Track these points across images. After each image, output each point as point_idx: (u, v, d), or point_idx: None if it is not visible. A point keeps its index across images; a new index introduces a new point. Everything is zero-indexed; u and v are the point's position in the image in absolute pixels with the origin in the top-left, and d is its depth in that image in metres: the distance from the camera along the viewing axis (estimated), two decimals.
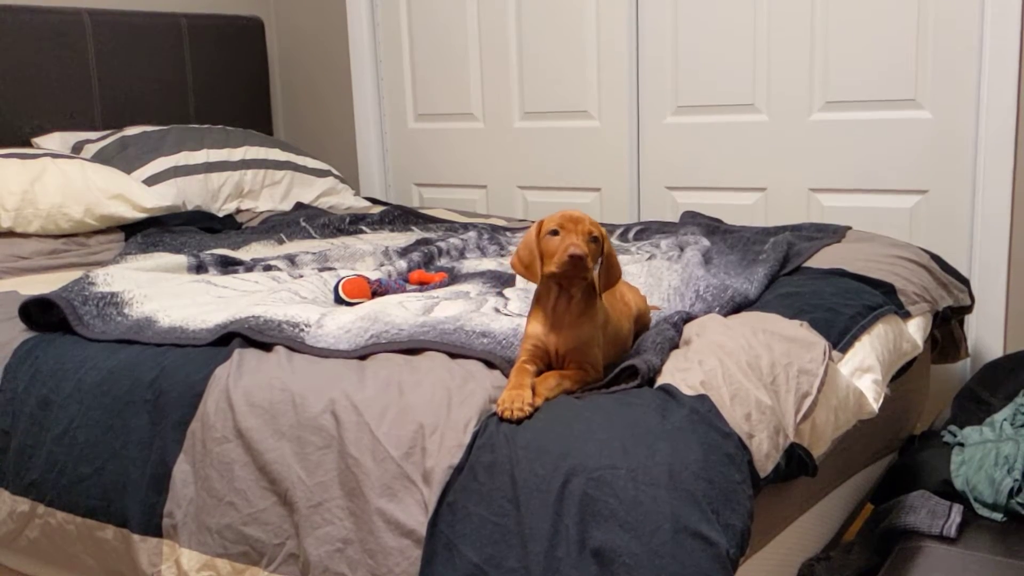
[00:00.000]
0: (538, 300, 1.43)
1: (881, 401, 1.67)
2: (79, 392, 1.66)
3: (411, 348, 1.55)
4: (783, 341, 1.52)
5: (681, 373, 1.39)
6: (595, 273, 1.39)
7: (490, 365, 1.48)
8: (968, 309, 2.40)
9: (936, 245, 2.73)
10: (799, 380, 1.45)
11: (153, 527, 1.52)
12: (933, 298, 2.17)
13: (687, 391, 1.35)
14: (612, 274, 1.43)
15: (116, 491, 1.57)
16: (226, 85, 3.50)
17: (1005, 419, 1.82)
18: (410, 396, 1.39)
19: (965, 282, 2.39)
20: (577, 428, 1.27)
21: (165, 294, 2.01)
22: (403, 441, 1.33)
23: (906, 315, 2.00)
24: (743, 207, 3.01)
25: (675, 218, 3.08)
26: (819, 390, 1.46)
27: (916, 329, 2.01)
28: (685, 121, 3.05)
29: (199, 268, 2.34)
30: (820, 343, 1.53)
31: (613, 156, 3.18)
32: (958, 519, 1.64)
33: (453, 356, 1.51)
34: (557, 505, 1.20)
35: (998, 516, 1.70)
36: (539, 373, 1.41)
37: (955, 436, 1.87)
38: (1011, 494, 1.69)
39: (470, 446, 1.29)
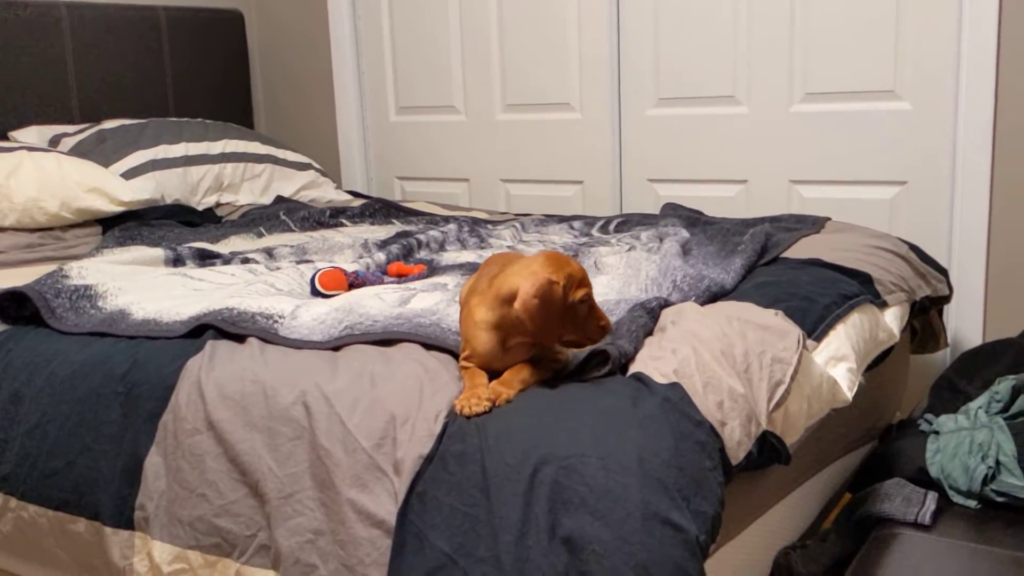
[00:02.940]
0: (488, 333, 1.38)
1: (856, 390, 1.67)
2: (50, 386, 1.65)
3: (385, 340, 1.54)
4: (757, 330, 1.52)
5: (654, 362, 1.39)
6: None
7: None
8: (947, 299, 2.41)
9: (915, 236, 2.74)
10: (772, 368, 1.45)
11: (125, 520, 1.51)
12: (910, 288, 2.17)
13: (660, 379, 1.34)
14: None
15: (88, 484, 1.56)
16: (205, 78, 3.48)
17: (980, 407, 1.83)
18: (382, 387, 1.38)
19: (943, 272, 2.39)
20: (548, 417, 1.26)
21: (140, 287, 2.00)
22: (374, 432, 1.33)
23: (883, 304, 2.00)
24: (724, 199, 3.01)
25: (657, 211, 3.08)
26: (792, 378, 1.46)
27: (893, 319, 2.02)
28: (666, 113, 3.05)
29: (176, 261, 2.32)
30: (794, 332, 1.53)
31: (595, 149, 3.18)
32: (933, 506, 1.64)
33: (427, 347, 1.50)
34: (527, 494, 1.19)
35: (972, 503, 1.71)
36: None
37: (931, 424, 1.88)
38: (985, 481, 1.70)
39: (441, 436, 1.29)
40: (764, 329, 1.52)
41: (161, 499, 1.49)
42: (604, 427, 1.24)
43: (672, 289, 1.82)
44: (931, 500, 1.65)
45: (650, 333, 1.53)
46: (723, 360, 1.42)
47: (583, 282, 1.35)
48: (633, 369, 1.39)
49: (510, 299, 1.32)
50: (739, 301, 1.71)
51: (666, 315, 1.58)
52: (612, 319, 1.63)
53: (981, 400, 1.85)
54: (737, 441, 1.33)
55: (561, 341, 1.36)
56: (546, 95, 3.24)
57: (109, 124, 2.93)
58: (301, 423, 1.39)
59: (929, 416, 1.91)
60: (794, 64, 2.82)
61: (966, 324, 2.68)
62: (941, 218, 2.70)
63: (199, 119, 3.22)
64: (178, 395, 1.51)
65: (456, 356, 1.47)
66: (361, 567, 1.27)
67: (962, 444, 1.74)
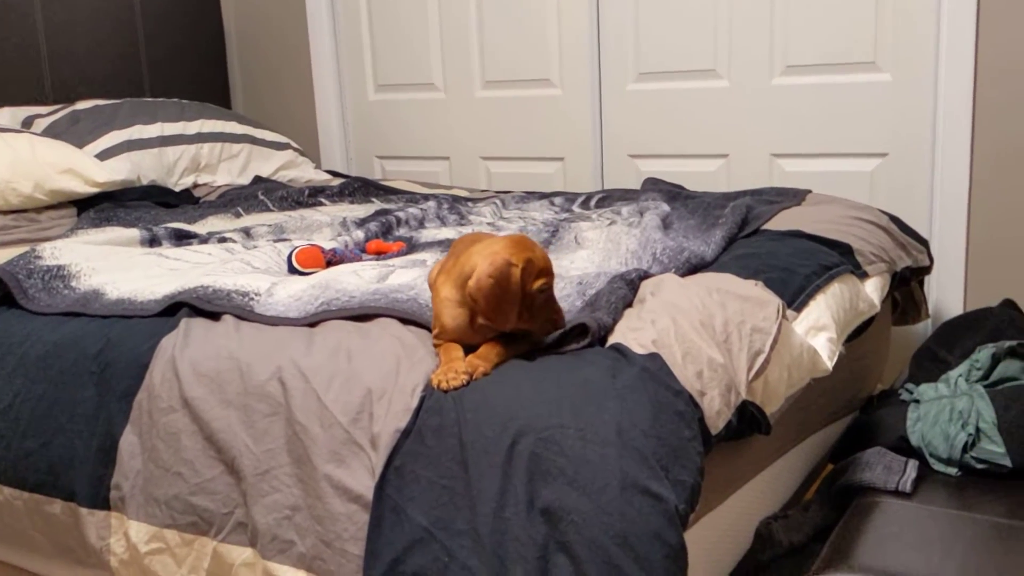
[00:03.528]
0: (456, 309, 1.36)
1: (836, 359, 1.67)
2: (23, 366, 1.63)
3: (362, 315, 1.53)
4: (737, 300, 1.51)
5: (633, 332, 1.38)
6: None
7: None
8: (927, 270, 2.41)
9: (896, 208, 2.74)
10: (752, 338, 1.44)
11: (101, 500, 1.50)
12: (891, 258, 2.17)
13: (639, 350, 1.33)
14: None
15: (63, 465, 1.54)
16: (181, 58, 3.44)
17: (960, 375, 1.83)
18: (358, 362, 1.37)
19: (924, 243, 2.39)
20: (526, 389, 1.25)
21: (114, 267, 1.97)
22: (350, 406, 1.31)
23: (863, 275, 2.00)
24: (706, 174, 3.00)
25: (638, 186, 3.06)
26: (772, 348, 1.45)
27: (873, 289, 2.01)
28: (647, 88, 3.03)
29: (152, 242, 2.30)
30: (774, 301, 1.52)
31: (576, 125, 3.16)
32: (913, 474, 1.64)
33: (405, 323, 1.49)
34: (505, 465, 1.18)
35: (953, 471, 1.71)
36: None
37: (912, 393, 1.88)
38: (965, 449, 1.70)
39: (417, 409, 1.27)
40: (744, 299, 1.51)
41: (137, 478, 1.47)
42: (582, 398, 1.23)
43: (652, 261, 1.81)
44: (912, 468, 1.65)
45: (629, 304, 1.51)
46: (702, 330, 1.41)
47: (545, 271, 1.32)
48: (612, 340, 1.38)
49: (469, 277, 1.31)
50: (719, 272, 1.70)
51: (645, 286, 1.56)
52: (591, 291, 1.62)
53: (961, 368, 1.85)
54: (716, 411, 1.32)
55: (514, 327, 1.33)
56: (525, 71, 3.22)
57: (83, 105, 2.89)
58: (277, 399, 1.37)
59: (910, 386, 1.91)
60: (775, 37, 2.81)
61: (947, 294, 2.68)
62: (921, 189, 2.69)
63: (175, 99, 3.18)
64: (152, 373, 1.50)
65: None
66: (339, 542, 1.26)
67: (942, 412, 1.74)
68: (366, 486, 1.26)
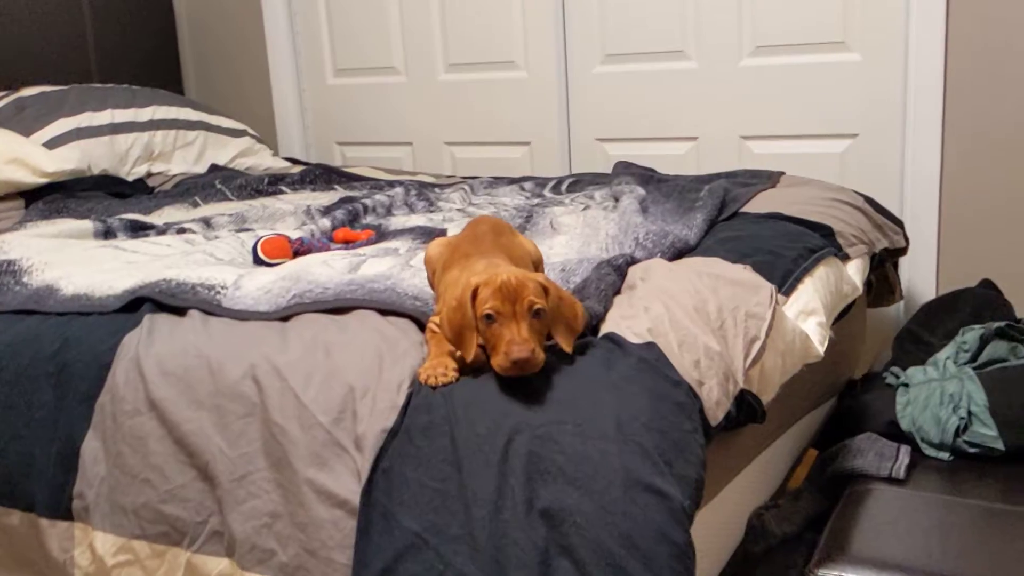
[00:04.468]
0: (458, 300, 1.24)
1: (826, 344, 1.62)
2: None
3: (338, 308, 1.45)
4: (729, 285, 1.46)
5: (627, 321, 1.32)
6: (555, 334, 1.23)
7: (422, 325, 1.38)
8: (903, 251, 2.38)
9: (867, 189, 2.71)
10: (747, 324, 1.39)
11: (62, 510, 1.40)
12: (870, 240, 2.14)
13: (633, 339, 1.28)
14: (574, 325, 1.24)
15: (20, 473, 1.45)
16: (130, 41, 3.31)
17: (948, 357, 1.80)
18: (338, 357, 1.29)
19: (899, 224, 2.36)
20: (518, 384, 1.19)
21: (68, 261, 1.87)
22: (332, 406, 1.24)
23: (844, 257, 1.96)
24: (675, 157, 2.95)
25: (607, 170, 3.01)
26: (767, 334, 1.40)
27: (855, 271, 1.98)
28: (614, 70, 2.97)
29: (107, 234, 2.19)
30: (766, 286, 1.47)
31: (542, 108, 3.09)
32: (906, 460, 1.61)
33: (384, 314, 1.41)
34: (501, 465, 1.12)
35: (945, 455, 1.68)
36: None
37: (898, 377, 1.84)
38: (957, 433, 1.67)
39: (404, 407, 1.20)
40: (736, 284, 1.46)
41: (102, 486, 1.38)
42: (578, 392, 1.17)
43: (635, 246, 1.75)
44: (904, 454, 1.62)
45: (618, 291, 1.46)
46: (696, 317, 1.35)
47: (501, 295, 1.18)
48: (605, 330, 1.32)
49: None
50: (706, 256, 1.65)
51: (634, 272, 1.51)
52: (575, 278, 1.55)
53: (948, 351, 1.83)
54: (716, 401, 1.27)
55: (476, 359, 1.23)
56: (489, 53, 3.14)
57: (28, 91, 2.76)
58: (251, 399, 1.29)
59: (895, 369, 1.88)
60: (743, 17, 2.76)
61: (919, 275, 2.66)
62: (892, 170, 2.67)
63: (125, 85, 3.05)
64: (115, 374, 1.40)
65: (416, 321, 1.39)
66: (324, 550, 1.18)
67: (932, 396, 1.71)
68: (351, 490, 1.18)
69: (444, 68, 3.24)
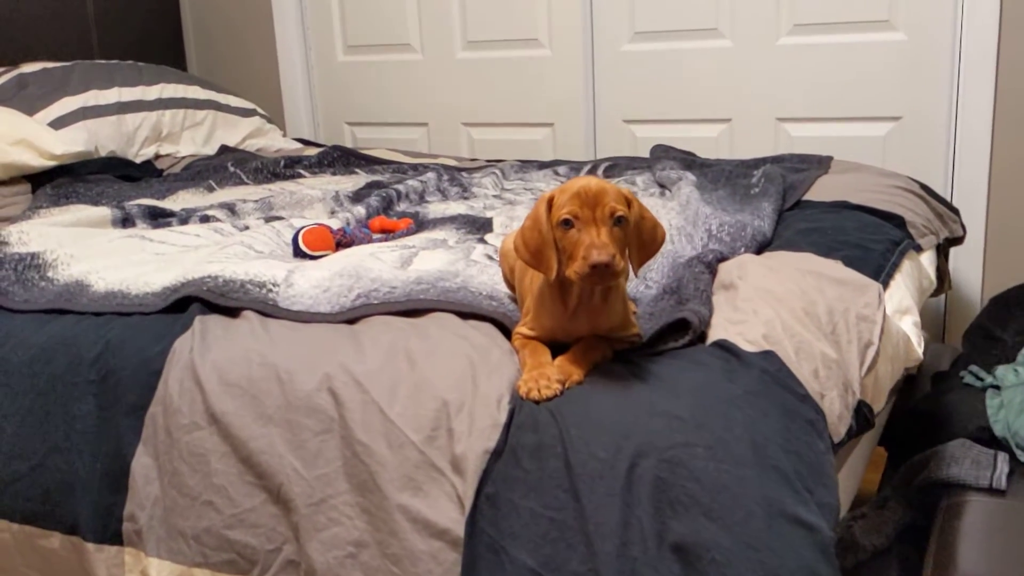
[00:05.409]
0: (548, 286, 1.17)
1: (923, 347, 1.52)
2: (4, 374, 1.39)
3: (409, 310, 1.32)
4: (834, 284, 1.34)
5: (735, 326, 1.20)
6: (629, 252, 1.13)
7: (505, 330, 1.26)
8: (960, 240, 2.28)
9: (910, 174, 2.61)
10: (860, 328, 1.28)
11: (111, 533, 1.27)
12: (935, 229, 2.04)
13: (747, 347, 1.16)
14: (650, 248, 1.15)
15: (61, 492, 1.31)
16: (131, 15, 3.14)
17: None
18: (424, 367, 1.17)
19: (956, 212, 2.27)
20: (636, 399, 1.07)
21: (94, 253, 1.73)
22: (423, 422, 1.11)
23: (918, 248, 1.86)
24: (707, 139, 2.84)
25: (634, 153, 2.89)
26: (880, 338, 1.29)
27: (929, 263, 1.88)
28: (643, 49, 2.84)
29: (125, 221, 2.05)
30: (873, 285, 1.36)
31: (566, 88, 2.96)
32: (1006, 469, 1.51)
33: (462, 317, 1.29)
34: (625, 494, 1.00)
35: None
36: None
37: (980, 378, 1.75)
38: None
39: (507, 426, 1.08)
40: (841, 284, 1.35)
41: (155, 508, 1.25)
42: (704, 409, 1.05)
43: (708, 239, 1.64)
44: (1003, 462, 1.52)
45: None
46: (808, 321, 1.24)
47: (580, 200, 1.08)
48: (712, 335, 1.20)
49: None
50: (789, 251, 1.54)
51: (727, 270, 1.39)
52: (652, 274, 1.44)
53: None
54: (838, 415, 1.16)
55: (555, 273, 1.12)
56: (511, 31, 3.00)
57: (29, 68, 2.60)
58: (329, 413, 1.16)
59: (975, 368, 1.78)
60: None
61: (965, 265, 2.57)
62: (937, 156, 2.57)
63: (130, 61, 2.88)
64: (167, 383, 1.27)
65: (499, 325, 1.26)
66: None
67: None
68: (452, 519, 1.06)
69: (462, 46, 3.10)
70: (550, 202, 1.12)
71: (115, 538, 1.27)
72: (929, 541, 1.42)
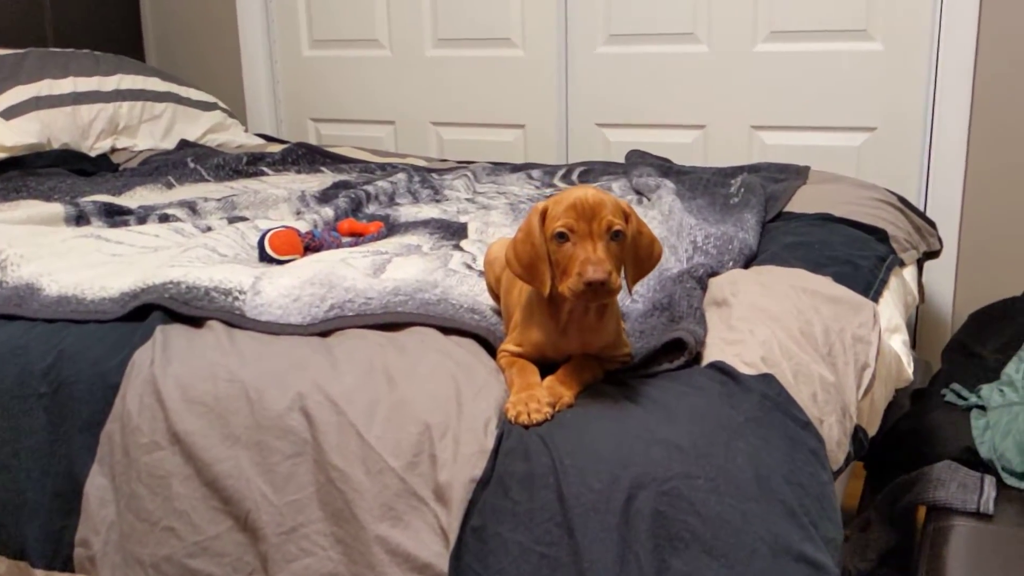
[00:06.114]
0: (538, 299, 1.11)
1: (912, 366, 1.48)
2: None
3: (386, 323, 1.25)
4: (828, 303, 1.30)
5: (732, 346, 1.15)
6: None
7: (488, 346, 1.19)
8: (936, 254, 2.26)
9: (884, 186, 2.59)
10: (856, 350, 1.24)
11: (62, 559, 1.18)
12: (915, 243, 2.01)
13: (744, 369, 1.11)
14: (646, 265, 1.10)
15: (8, 513, 1.22)
16: (88, 3, 3.01)
17: (1022, 375, 1.67)
18: (404, 387, 1.10)
19: (932, 225, 2.24)
20: (632, 426, 1.01)
21: (45, 253, 1.63)
22: (404, 447, 1.04)
23: (900, 263, 1.82)
24: (681, 145, 2.79)
25: (606, 157, 2.84)
26: (876, 360, 1.25)
27: (911, 278, 1.84)
28: (618, 52, 2.79)
29: (79, 219, 1.95)
30: (867, 305, 1.32)
31: (539, 89, 2.90)
32: (993, 493, 1.48)
33: (443, 331, 1.22)
34: (622, 528, 0.94)
35: None
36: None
37: (963, 397, 1.71)
38: None
39: (495, 452, 1.01)
40: (835, 302, 1.30)
41: (111, 533, 1.16)
42: (705, 437, 1.00)
43: (693, 251, 1.58)
44: (989, 486, 1.48)
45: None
46: (804, 342, 1.19)
47: (576, 212, 1.03)
48: (708, 356, 1.15)
49: None
50: (778, 266, 1.49)
51: (718, 285, 1.34)
52: (640, 288, 1.38)
53: (1017, 367, 1.70)
54: (836, 441, 1.11)
55: (546, 288, 1.07)
56: (484, 29, 2.93)
57: None
58: (302, 435, 1.09)
59: (956, 386, 1.75)
60: (759, 0, 2.61)
61: (937, 278, 2.56)
62: (912, 167, 2.55)
63: (86, 50, 2.76)
64: (126, 398, 1.19)
65: (482, 341, 1.20)
66: None
67: (1015, 420, 1.58)
68: (434, 552, 0.99)
69: (432, 43, 3.02)
70: (544, 213, 1.05)
71: (66, 564, 1.19)
72: (918, 567, 1.37)
